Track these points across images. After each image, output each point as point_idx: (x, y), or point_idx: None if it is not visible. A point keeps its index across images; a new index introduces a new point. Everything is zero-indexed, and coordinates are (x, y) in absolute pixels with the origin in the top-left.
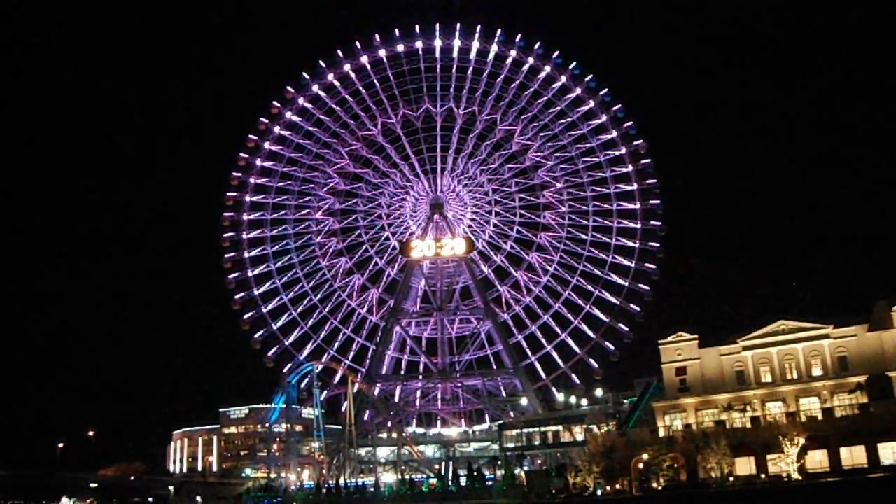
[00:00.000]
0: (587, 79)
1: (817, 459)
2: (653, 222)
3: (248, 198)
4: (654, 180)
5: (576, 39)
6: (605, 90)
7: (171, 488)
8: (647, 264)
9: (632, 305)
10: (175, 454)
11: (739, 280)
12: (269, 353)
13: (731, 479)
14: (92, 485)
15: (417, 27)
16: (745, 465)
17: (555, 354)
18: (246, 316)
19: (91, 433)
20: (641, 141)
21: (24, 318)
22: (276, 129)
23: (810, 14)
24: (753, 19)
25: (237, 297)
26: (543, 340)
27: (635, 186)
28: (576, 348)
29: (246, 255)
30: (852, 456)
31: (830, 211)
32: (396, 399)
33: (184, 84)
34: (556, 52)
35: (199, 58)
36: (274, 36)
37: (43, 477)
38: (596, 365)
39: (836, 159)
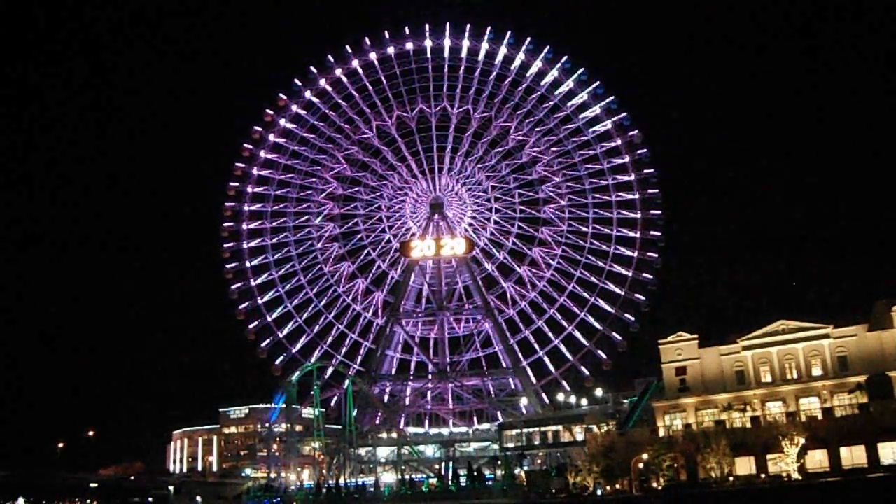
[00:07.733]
0: (579, 72)
1: (817, 459)
2: (652, 212)
3: (246, 207)
4: (651, 170)
5: (566, 33)
6: (598, 83)
7: (171, 488)
8: (649, 254)
9: (636, 295)
10: (175, 454)
11: (739, 280)
12: (276, 362)
13: (731, 479)
14: (92, 485)
15: (407, 28)
16: (745, 465)
17: (562, 347)
18: (251, 325)
19: (91, 433)
20: (637, 132)
21: (25, 317)
22: (272, 136)
23: (809, 11)
24: (754, 14)
25: (241, 307)
26: (550, 335)
27: (633, 177)
28: (584, 341)
29: (247, 264)
30: (852, 456)
31: (830, 211)
32: (398, 399)
33: (177, 94)
34: (547, 47)
35: (190, 67)
36: (265, 43)
37: (43, 477)
38: (604, 356)
39: (836, 159)
